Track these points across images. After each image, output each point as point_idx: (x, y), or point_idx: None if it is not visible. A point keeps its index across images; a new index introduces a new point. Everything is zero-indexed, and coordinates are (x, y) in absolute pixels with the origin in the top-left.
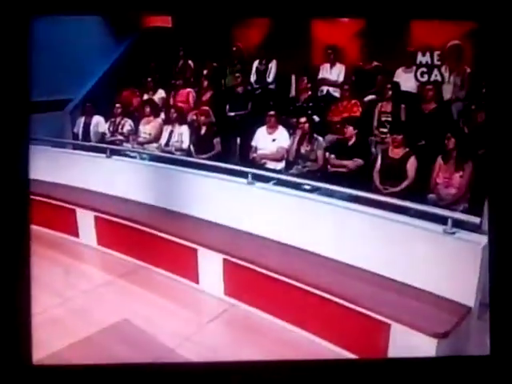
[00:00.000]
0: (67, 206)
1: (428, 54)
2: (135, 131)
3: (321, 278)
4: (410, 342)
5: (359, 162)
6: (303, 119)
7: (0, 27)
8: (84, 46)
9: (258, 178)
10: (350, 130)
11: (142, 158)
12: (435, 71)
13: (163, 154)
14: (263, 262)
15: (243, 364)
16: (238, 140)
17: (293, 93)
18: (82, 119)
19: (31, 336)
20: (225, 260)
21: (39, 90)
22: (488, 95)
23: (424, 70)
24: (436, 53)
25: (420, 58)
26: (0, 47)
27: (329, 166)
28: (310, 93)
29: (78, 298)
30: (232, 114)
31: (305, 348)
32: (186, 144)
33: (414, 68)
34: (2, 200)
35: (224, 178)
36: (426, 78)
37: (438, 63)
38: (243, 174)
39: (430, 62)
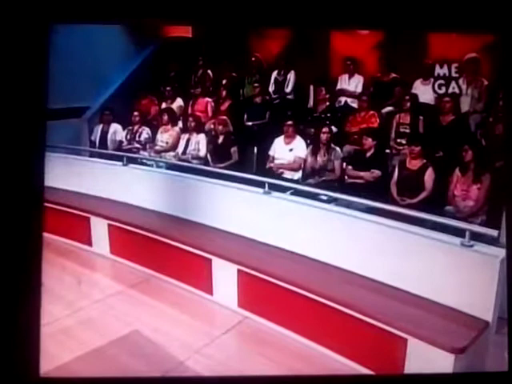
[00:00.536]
0: (81, 213)
1: (446, 67)
2: (152, 140)
3: (337, 290)
4: (427, 357)
5: (377, 173)
6: (325, 129)
7: (19, 33)
8: (103, 54)
9: (274, 188)
10: (369, 141)
11: (158, 167)
12: (453, 83)
13: (180, 163)
14: (278, 273)
15: (256, 379)
16: (255, 149)
17: (311, 103)
18: (100, 127)
19: (39, 347)
20: (239, 271)
21: (57, 97)
22: (506, 107)
23: (442, 82)
24: (454, 65)
25: (438, 71)
26: (19, 53)
27: (346, 177)
28: (327, 103)
29: (89, 309)
30: (250, 123)
31: (319, 362)
32: (202, 152)
33: (432, 80)
34: (15, 207)
35: (240, 187)
36: (443, 90)
37: (456, 75)
38: (260, 184)
39: (447, 74)
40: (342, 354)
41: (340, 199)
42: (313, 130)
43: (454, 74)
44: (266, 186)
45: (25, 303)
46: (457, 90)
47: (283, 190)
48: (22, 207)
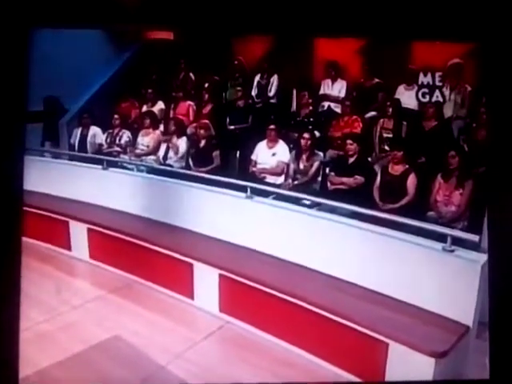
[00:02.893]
0: (60, 217)
1: (429, 75)
2: (133, 143)
3: (317, 294)
4: (407, 362)
5: (359, 179)
6: (306, 134)
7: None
8: (82, 57)
9: (256, 193)
10: (353, 146)
11: (139, 170)
12: (436, 92)
13: (161, 167)
14: (260, 277)
15: None
16: (238, 154)
17: (294, 108)
18: (79, 130)
19: (18, 352)
20: (221, 275)
21: (36, 100)
22: (488, 114)
23: (425, 90)
24: (437, 74)
25: (422, 79)
26: None
27: (328, 184)
28: (311, 108)
29: (68, 314)
30: (232, 127)
31: (302, 367)
32: (183, 156)
33: (415, 86)
34: None
35: (223, 191)
36: (427, 98)
37: (440, 84)
38: (242, 188)
39: (431, 82)
40: (323, 358)
41: (323, 204)
42: (296, 134)
43: (437, 83)
44: (249, 190)
45: (3, 308)
46: (440, 99)
47: (266, 194)
48: (1, 211)
